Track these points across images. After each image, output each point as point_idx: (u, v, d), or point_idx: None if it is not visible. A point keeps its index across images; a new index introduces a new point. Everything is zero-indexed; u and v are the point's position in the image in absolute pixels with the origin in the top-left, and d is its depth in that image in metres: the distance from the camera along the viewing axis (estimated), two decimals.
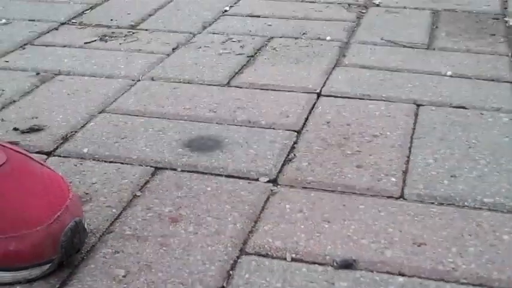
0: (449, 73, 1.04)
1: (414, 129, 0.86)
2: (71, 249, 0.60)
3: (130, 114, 0.91)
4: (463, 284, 0.59)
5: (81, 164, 0.79)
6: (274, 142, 0.83)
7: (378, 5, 1.41)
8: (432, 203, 0.70)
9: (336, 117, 0.90)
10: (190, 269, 0.60)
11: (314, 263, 0.61)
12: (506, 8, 1.37)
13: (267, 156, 0.80)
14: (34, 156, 0.66)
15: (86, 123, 0.89)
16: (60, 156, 0.81)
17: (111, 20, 1.34)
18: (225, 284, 0.59)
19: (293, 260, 0.62)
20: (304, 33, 1.23)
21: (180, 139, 0.84)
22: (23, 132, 0.87)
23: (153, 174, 0.77)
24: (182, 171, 0.77)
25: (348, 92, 0.97)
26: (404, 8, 1.39)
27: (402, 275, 0.60)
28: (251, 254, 0.63)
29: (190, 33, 1.25)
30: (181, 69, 1.07)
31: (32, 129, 0.87)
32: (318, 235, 0.65)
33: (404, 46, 1.16)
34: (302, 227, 0.66)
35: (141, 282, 0.59)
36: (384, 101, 0.94)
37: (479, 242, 0.64)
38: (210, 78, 1.03)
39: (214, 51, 1.15)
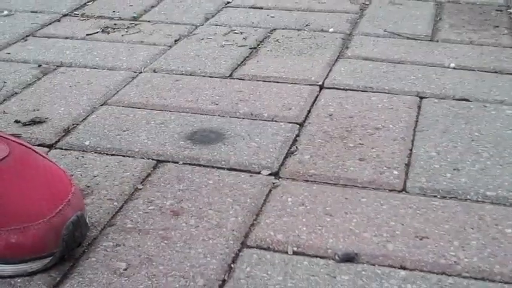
0: (452, 65, 1.03)
1: (417, 121, 0.86)
2: (72, 243, 0.60)
3: (132, 107, 0.91)
4: (465, 277, 0.58)
5: (82, 156, 0.79)
6: (277, 135, 0.83)
7: None
8: (435, 196, 0.70)
9: (338, 109, 0.89)
10: (191, 262, 0.60)
11: (316, 256, 0.61)
12: (510, 0, 1.37)
13: (269, 149, 0.79)
14: (36, 148, 0.66)
15: (88, 116, 0.89)
16: (61, 148, 0.81)
17: (113, 11, 1.33)
18: (226, 277, 0.59)
19: (295, 253, 0.62)
20: (307, 25, 1.23)
21: (182, 132, 0.84)
22: (24, 124, 0.86)
23: (154, 167, 0.76)
24: (184, 164, 0.77)
25: (351, 84, 0.97)
26: None
27: (404, 268, 0.60)
28: (252, 247, 0.63)
29: (193, 25, 1.25)
30: (183, 61, 1.06)
31: (34, 122, 0.87)
32: (320, 228, 0.65)
33: (408, 38, 1.16)
34: (304, 220, 0.66)
35: (142, 275, 0.59)
36: (387, 93, 0.94)
37: (482, 236, 0.64)
38: (212, 70, 1.02)
39: (217, 43, 1.14)
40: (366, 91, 0.95)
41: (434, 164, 0.76)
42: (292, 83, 0.98)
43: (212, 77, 1.01)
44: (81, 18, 1.30)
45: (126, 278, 0.58)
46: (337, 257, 0.61)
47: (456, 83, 0.97)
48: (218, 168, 0.76)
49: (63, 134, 0.85)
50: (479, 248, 0.62)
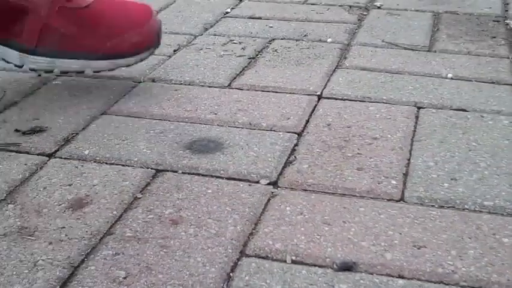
0: (449, 75, 1.04)
1: (415, 131, 0.86)
2: (160, 41, 0.96)
3: (131, 116, 0.92)
4: (462, 286, 0.59)
5: (82, 165, 0.79)
6: (275, 144, 0.83)
7: (379, 7, 1.41)
8: (432, 206, 0.71)
9: (336, 119, 0.90)
10: (190, 271, 0.61)
11: (314, 265, 0.62)
12: (507, 11, 1.37)
13: (268, 158, 0.80)
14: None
15: (87, 125, 0.89)
16: (61, 157, 0.81)
17: None
18: (225, 286, 0.59)
19: (293, 262, 0.62)
20: (305, 35, 1.23)
21: (181, 141, 0.84)
22: (24, 133, 0.87)
23: (154, 176, 0.77)
24: (183, 173, 0.77)
25: (349, 94, 0.97)
26: (406, 10, 1.39)
27: (402, 277, 0.60)
28: (251, 256, 0.63)
29: (192, 35, 1.25)
30: (182, 71, 1.07)
31: (34, 131, 0.87)
32: (318, 237, 0.65)
33: (405, 48, 1.16)
34: (302, 229, 0.66)
35: (142, 284, 0.59)
36: (385, 103, 0.94)
37: (479, 245, 0.64)
38: (211, 80, 1.03)
39: (216, 53, 1.15)
40: (364, 101, 0.95)
41: (432, 173, 0.76)
42: (290, 93, 0.98)
43: (211, 86, 1.01)
44: None
45: (125, 287, 0.59)
46: (335, 266, 0.61)
47: (453, 93, 0.97)
48: (217, 177, 0.76)
49: (63, 143, 0.85)
50: (477, 258, 0.62)
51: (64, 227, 0.67)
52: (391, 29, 1.26)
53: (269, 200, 0.72)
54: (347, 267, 0.61)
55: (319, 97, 0.97)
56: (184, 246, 0.64)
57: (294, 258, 0.62)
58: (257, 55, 1.14)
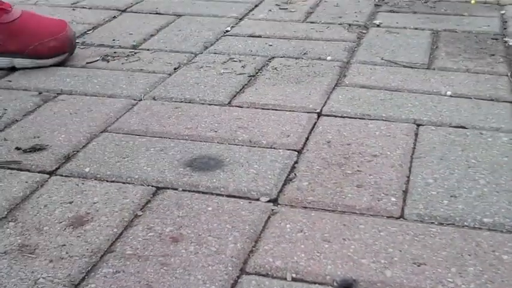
0: (449, 93, 1.04)
1: (414, 148, 0.87)
2: (75, 46, 1.24)
3: (132, 134, 0.92)
4: None
5: (82, 183, 0.80)
6: (275, 162, 0.83)
7: (378, 26, 1.42)
8: (432, 223, 0.71)
9: (336, 137, 0.90)
10: None
11: (314, 282, 0.62)
12: (505, 29, 1.38)
13: (268, 176, 0.80)
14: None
15: (88, 143, 0.90)
16: (62, 175, 0.82)
17: (113, 40, 1.35)
18: None
19: (293, 279, 0.62)
20: (305, 53, 1.24)
21: (181, 159, 0.85)
22: (25, 151, 0.87)
23: (154, 194, 0.77)
24: (183, 190, 0.78)
25: (349, 112, 0.98)
26: (405, 28, 1.39)
27: None
28: (251, 273, 0.63)
29: (192, 53, 1.26)
30: (182, 89, 1.07)
31: (34, 149, 0.88)
32: (318, 255, 0.65)
33: (405, 66, 1.17)
34: (302, 246, 0.67)
35: None
36: (384, 120, 0.95)
37: (479, 262, 0.64)
38: (211, 97, 1.03)
39: (216, 71, 1.15)
40: (364, 118, 0.96)
41: (431, 190, 0.77)
42: (290, 111, 0.98)
43: (211, 104, 1.02)
44: (82, 47, 1.31)
45: None
46: (335, 284, 0.61)
47: (453, 111, 0.98)
48: (217, 195, 0.77)
49: (64, 161, 0.85)
50: (477, 275, 0.62)
51: (65, 245, 0.67)
52: (390, 47, 1.27)
53: (269, 217, 0.72)
54: (347, 284, 0.61)
55: (319, 115, 0.97)
56: (185, 263, 0.64)
57: (294, 275, 0.63)
58: (257, 73, 1.14)
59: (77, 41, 1.29)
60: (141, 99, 1.04)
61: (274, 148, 0.87)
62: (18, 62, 1.18)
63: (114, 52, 1.27)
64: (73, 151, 0.88)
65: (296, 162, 0.84)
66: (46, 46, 1.17)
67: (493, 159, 0.83)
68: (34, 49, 1.17)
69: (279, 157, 0.84)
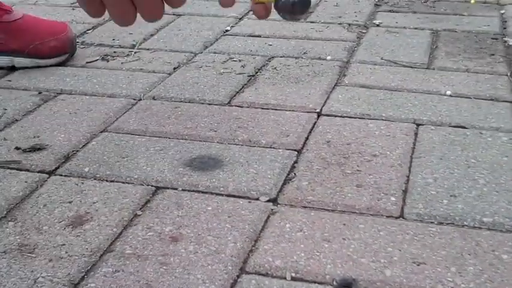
0: (448, 93, 1.04)
1: (414, 148, 0.87)
2: (75, 47, 1.24)
3: (131, 134, 0.92)
4: None
5: (82, 183, 0.80)
6: (275, 161, 0.83)
7: (378, 25, 1.42)
8: (432, 223, 0.71)
9: (336, 136, 0.90)
10: None
11: (314, 282, 0.62)
12: (505, 28, 1.38)
13: (267, 175, 0.80)
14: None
15: (88, 143, 0.90)
16: (61, 175, 0.82)
17: (113, 39, 1.35)
18: None
19: (293, 279, 0.62)
20: (304, 53, 1.24)
21: (181, 158, 0.85)
22: (25, 151, 0.87)
23: (153, 194, 0.77)
24: (183, 190, 0.78)
25: (348, 112, 0.97)
26: (404, 28, 1.39)
27: None
28: (251, 273, 0.63)
29: (192, 52, 1.26)
30: (182, 89, 1.07)
31: (34, 148, 0.88)
32: (318, 254, 0.65)
33: (404, 66, 1.17)
34: (302, 246, 0.67)
35: None
36: (384, 120, 0.95)
37: (479, 261, 0.64)
38: (211, 97, 1.03)
39: (216, 71, 1.15)
40: (363, 118, 0.96)
41: (431, 190, 0.77)
42: (290, 110, 0.98)
43: (211, 104, 1.02)
44: (81, 46, 1.31)
45: None
46: (335, 283, 0.61)
47: (452, 110, 0.98)
48: (217, 194, 0.77)
49: (63, 160, 0.85)
50: (476, 274, 0.62)
51: (64, 244, 0.67)
52: (390, 47, 1.27)
53: (269, 217, 0.72)
54: (347, 284, 0.61)
55: (319, 114, 0.97)
56: (184, 263, 0.64)
57: (293, 275, 0.63)
58: (257, 73, 1.14)
59: (76, 40, 1.28)
60: (140, 99, 1.04)
61: (273, 148, 0.87)
62: (19, 61, 1.18)
63: (114, 52, 1.27)
64: (73, 151, 0.88)
65: (296, 162, 0.84)
66: (47, 46, 1.18)
67: (492, 159, 0.84)
68: (35, 48, 1.17)
69: (279, 157, 0.84)
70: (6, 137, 0.92)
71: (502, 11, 1.51)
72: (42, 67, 1.18)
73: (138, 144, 0.89)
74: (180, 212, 0.73)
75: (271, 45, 1.29)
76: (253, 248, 0.67)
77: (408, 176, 0.80)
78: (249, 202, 0.75)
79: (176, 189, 0.78)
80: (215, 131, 0.92)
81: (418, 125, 0.93)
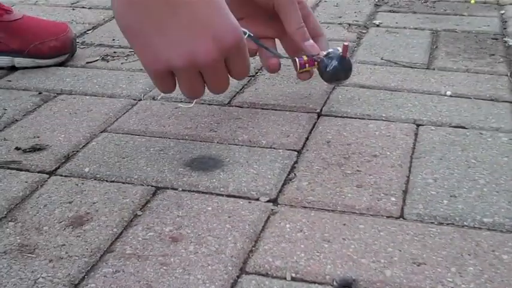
0: (448, 93, 1.04)
1: (414, 148, 0.87)
2: (75, 47, 1.25)
3: (131, 134, 0.92)
4: None
5: (82, 183, 0.80)
6: (275, 162, 0.83)
7: (378, 25, 1.42)
8: (432, 223, 0.71)
9: (336, 136, 0.90)
10: None
11: (314, 282, 0.62)
12: (505, 29, 1.38)
13: (268, 175, 0.80)
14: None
15: (88, 143, 0.90)
16: (61, 175, 0.82)
17: (113, 40, 1.35)
18: None
19: (293, 279, 0.62)
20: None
21: (181, 158, 0.85)
22: (25, 151, 0.87)
23: (154, 194, 0.77)
24: (183, 190, 0.78)
25: (348, 112, 0.98)
26: (404, 28, 1.40)
27: None
28: (251, 273, 0.63)
29: None
30: None
31: (34, 149, 0.88)
32: (318, 254, 0.65)
33: (404, 66, 1.17)
34: (302, 246, 0.67)
35: None
36: (384, 120, 0.95)
37: (479, 262, 0.64)
38: (211, 97, 1.03)
39: None
40: (364, 118, 0.96)
41: (431, 190, 0.77)
42: (290, 111, 0.98)
43: (211, 104, 1.02)
44: (81, 47, 1.31)
45: None
46: (335, 283, 0.61)
47: (452, 111, 0.98)
48: (217, 194, 0.77)
49: (63, 160, 0.85)
50: (477, 274, 0.62)
51: (64, 245, 0.67)
52: (390, 47, 1.27)
53: (269, 217, 0.72)
54: (347, 284, 0.61)
55: (319, 114, 0.97)
56: (184, 263, 0.64)
57: (293, 275, 0.63)
58: (257, 73, 1.14)
59: (77, 41, 1.29)
60: (140, 99, 1.04)
61: (274, 148, 0.87)
62: (19, 61, 1.18)
63: (114, 52, 1.27)
64: (73, 151, 0.88)
65: (296, 162, 0.84)
66: (47, 46, 1.18)
67: (492, 159, 0.84)
68: (35, 48, 1.17)
69: (279, 157, 0.84)
70: (6, 137, 0.92)
71: (502, 11, 1.51)
72: (42, 67, 1.18)
73: (138, 145, 0.89)
74: (180, 212, 0.73)
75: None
76: (253, 248, 0.67)
77: (408, 176, 0.80)
78: (249, 202, 0.75)
79: (176, 189, 0.78)
80: (215, 131, 0.92)
81: (418, 125, 0.93)
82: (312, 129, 0.93)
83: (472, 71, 1.14)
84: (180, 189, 0.78)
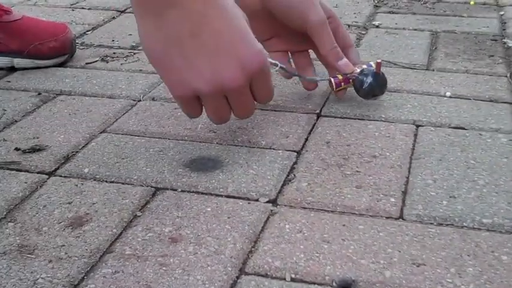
0: (448, 94, 1.04)
1: (413, 149, 0.87)
2: (75, 48, 1.24)
3: (131, 135, 0.92)
4: None
5: (82, 184, 0.80)
6: (274, 162, 0.83)
7: (377, 27, 1.42)
8: (431, 224, 0.71)
9: (335, 137, 0.90)
10: None
11: (313, 283, 0.62)
12: (504, 30, 1.38)
13: (267, 176, 0.80)
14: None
15: (87, 144, 0.90)
16: (61, 176, 0.82)
17: (113, 40, 1.35)
18: None
19: (292, 280, 0.62)
20: None
21: (180, 159, 0.85)
22: (24, 152, 0.87)
23: (153, 195, 0.77)
24: (182, 191, 0.78)
25: (348, 113, 0.98)
26: (404, 29, 1.40)
27: None
28: (251, 274, 0.63)
29: None
30: None
31: (34, 149, 0.88)
32: (318, 255, 0.65)
33: (404, 67, 1.17)
34: (301, 247, 0.67)
35: None
36: (384, 121, 0.95)
37: (478, 263, 0.64)
38: None
39: None
40: (363, 119, 0.96)
41: (430, 191, 0.77)
42: (289, 111, 0.98)
43: None
44: (81, 47, 1.31)
45: None
46: (334, 284, 0.61)
47: (452, 112, 0.98)
48: (216, 195, 0.77)
49: (63, 161, 0.85)
50: (476, 275, 0.62)
51: (64, 245, 0.67)
52: (390, 48, 1.27)
53: (268, 218, 0.72)
54: (346, 285, 0.61)
55: (318, 115, 0.97)
56: (184, 264, 0.64)
57: (293, 276, 0.63)
58: None
59: (76, 41, 1.29)
60: (140, 100, 1.04)
61: (273, 149, 0.87)
62: (18, 62, 1.18)
63: (114, 53, 1.27)
64: (72, 152, 0.88)
65: (295, 163, 0.84)
66: (46, 46, 1.18)
67: (492, 160, 0.84)
68: (34, 49, 1.17)
69: (278, 158, 0.85)
70: (5, 137, 0.92)
71: (501, 13, 1.51)
72: (41, 68, 1.18)
73: (138, 145, 0.89)
74: (180, 212, 0.73)
75: None
76: (252, 249, 0.67)
77: (408, 177, 0.80)
78: (249, 203, 0.75)
79: (176, 190, 0.78)
80: (214, 132, 0.92)
81: (417, 126, 0.94)
82: (311, 130, 0.93)
83: (471, 72, 1.14)
84: (180, 189, 0.78)
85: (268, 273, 0.63)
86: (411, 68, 1.16)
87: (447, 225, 0.71)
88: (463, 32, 1.37)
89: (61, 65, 1.20)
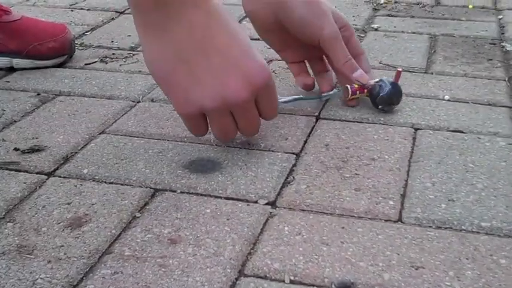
0: (446, 97, 1.05)
1: (412, 152, 0.87)
2: (74, 48, 1.24)
3: (130, 136, 0.92)
4: None
5: (81, 184, 0.80)
6: (273, 165, 0.83)
7: (376, 30, 1.42)
8: (430, 227, 0.71)
9: (334, 140, 0.90)
10: None
11: (312, 285, 0.62)
12: (503, 33, 1.39)
13: (266, 178, 0.80)
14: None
15: (86, 144, 0.90)
16: (60, 176, 0.82)
17: (112, 41, 1.35)
18: None
19: (291, 282, 0.62)
20: None
21: (179, 160, 0.85)
22: (23, 152, 0.87)
23: (152, 196, 0.77)
24: (181, 192, 0.78)
25: (347, 115, 0.98)
26: (403, 32, 1.40)
27: None
28: (250, 276, 0.63)
29: None
30: None
31: (33, 150, 0.88)
32: (316, 257, 0.65)
33: (403, 70, 1.17)
34: (300, 249, 0.67)
35: None
36: (382, 124, 0.95)
37: (477, 266, 0.64)
38: None
39: None
40: (362, 122, 0.96)
41: (429, 194, 0.77)
42: (288, 114, 0.99)
43: None
44: (80, 48, 1.31)
45: None
46: (333, 286, 0.61)
47: (450, 115, 0.98)
48: (215, 197, 0.77)
49: (62, 162, 0.85)
50: (474, 279, 0.62)
51: (63, 246, 0.67)
52: (388, 51, 1.27)
53: (267, 220, 0.72)
54: (345, 287, 0.61)
55: (317, 118, 0.98)
56: (183, 265, 0.64)
57: (292, 278, 0.63)
58: None
59: (75, 42, 1.29)
60: (139, 101, 1.04)
61: (272, 151, 0.87)
62: (17, 62, 1.18)
63: (113, 54, 1.27)
64: (71, 152, 0.88)
65: (294, 165, 0.84)
66: (46, 47, 1.18)
67: (490, 164, 0.84)
68: (33, 49, 1.18)
69: (278, 160, 0.85)
70: (4, 138, 0.92)
71: (500, 16, 1.52)
72: (40, 68, 1.18)
73: (137, 146, 0.89)
74: (179, 214, 0.73)
75: (270, 48, 1.29)
76: (251, 250, 0.67)
77: (406, 180, 0.80)
78: (248, 205, 0.75)
79: (175, 191, 0.78)
80: None
81: (416, 129, 0.94)
82: (310, 133, 0.93)
83: (470, 75, 1.14)
84: (179, 191, 0.78)
85: (267, 275, 0.63)
86: (410, 71, 1.16)
87: (446, 228, 0.71)
88: (461, 35, 1.37)
89: (60, 65, 1.20)
